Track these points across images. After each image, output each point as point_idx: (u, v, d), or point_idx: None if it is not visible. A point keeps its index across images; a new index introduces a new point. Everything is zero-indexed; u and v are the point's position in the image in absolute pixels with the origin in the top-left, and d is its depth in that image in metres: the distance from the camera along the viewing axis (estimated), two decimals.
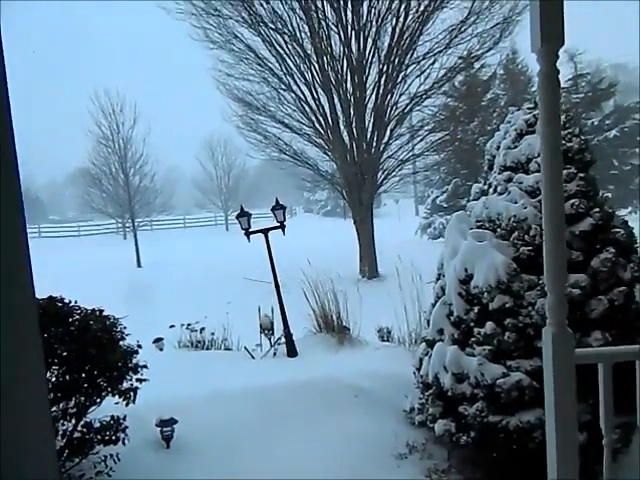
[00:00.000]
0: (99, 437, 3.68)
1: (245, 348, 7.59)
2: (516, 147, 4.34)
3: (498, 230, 4.17)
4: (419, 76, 16.76)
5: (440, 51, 16.42)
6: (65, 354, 3.64)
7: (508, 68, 22.21)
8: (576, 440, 2.11)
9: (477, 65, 18.40)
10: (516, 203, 4.06)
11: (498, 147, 4.54)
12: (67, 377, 3.65)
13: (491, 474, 3.69)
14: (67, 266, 18.28)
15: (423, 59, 16.54)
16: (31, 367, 0.60)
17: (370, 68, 16.61)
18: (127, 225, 27.98)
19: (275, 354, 7.43)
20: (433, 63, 16.64)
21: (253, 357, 7.34)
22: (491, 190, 4.45)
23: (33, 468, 0.63)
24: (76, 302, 3.93)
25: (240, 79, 17.47)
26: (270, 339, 7.89)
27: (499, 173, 4.42)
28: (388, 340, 7.70)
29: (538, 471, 2.62)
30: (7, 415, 0.58)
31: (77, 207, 33.23)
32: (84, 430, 3.67)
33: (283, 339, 7.47)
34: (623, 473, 2.79)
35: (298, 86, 16.91)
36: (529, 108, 4.44)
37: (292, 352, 7.29)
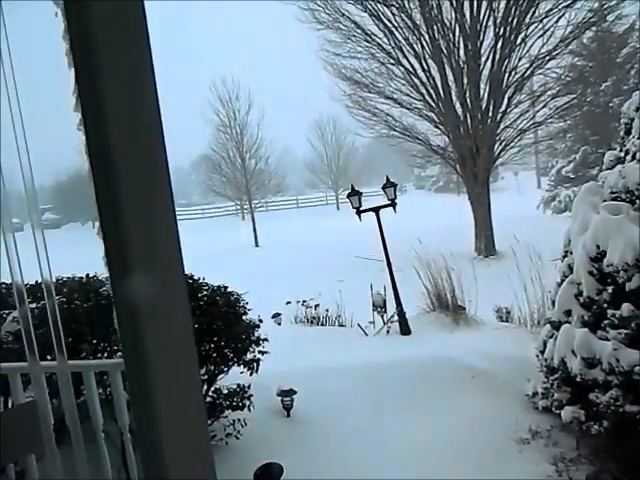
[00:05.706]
0: (227, 403, 4.00)
1: (358, 325, 7.71)
2: None
3: (637, 202, 3.73)
4: (541, 36, 15.37)
5: (567, 5, 14.86)
6: (196, 326, 3.98)
7: None
8: None
9: (611, 17, 16.40)
10: None
11: (638, 109, 4.03)
12: (199, 347, 4.00)
13: (626, 467, 3.38)
14: (194, 246, 19.86)
15: (546, 17, 15.10)
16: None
17: (485, 33, 15.58)
18: (245, 207, 29.58)
19: (388, 332, 7.45)
20: (558, 20, 15.13)
21: (366, 334, 7.43)
22: (629, 157, 3.98)
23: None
24: (204, 279, 4.26)
25: (348, 57, 17.40)
26: (383, 317, 7.93)
27: (638, 138, 3.93)
28: (507, 320, 7.34)
29: None
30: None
31: (201, 191, 35.79)
32: (214, 395, 4.00)
33: (396, 317, 7.47)
34: None
35: (407, 59, 16.41)
36: None
37: (405, 330, 7.26)
